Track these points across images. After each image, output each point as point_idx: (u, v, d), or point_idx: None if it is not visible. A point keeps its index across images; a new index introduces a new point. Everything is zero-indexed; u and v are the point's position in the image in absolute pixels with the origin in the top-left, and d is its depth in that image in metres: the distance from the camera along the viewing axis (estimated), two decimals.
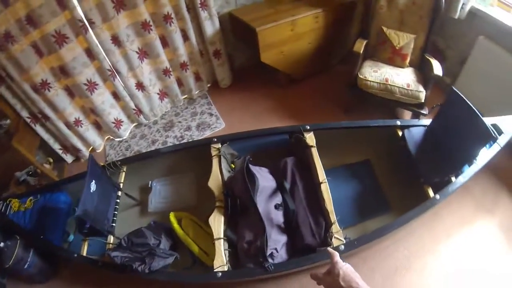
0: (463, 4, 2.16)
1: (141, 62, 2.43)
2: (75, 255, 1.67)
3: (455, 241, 1.88)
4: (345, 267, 0.80)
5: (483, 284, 1.73)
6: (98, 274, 1.91)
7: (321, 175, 1.71)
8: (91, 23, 2.08)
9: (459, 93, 1.68)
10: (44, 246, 1.82)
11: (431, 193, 1.68)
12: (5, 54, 1.91)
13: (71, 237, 2.01)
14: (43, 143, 2.43)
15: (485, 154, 1.73)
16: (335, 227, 1.54)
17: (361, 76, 2.25)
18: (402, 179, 1.95)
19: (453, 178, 1.69)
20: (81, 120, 2.44)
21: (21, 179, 2.25)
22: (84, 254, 1.69)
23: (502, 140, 1.76)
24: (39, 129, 2.34)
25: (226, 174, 1.79)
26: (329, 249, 0.86)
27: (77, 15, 1.96)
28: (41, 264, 1.87)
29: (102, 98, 2.41)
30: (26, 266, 1.77)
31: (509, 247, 1.85)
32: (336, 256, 0.83)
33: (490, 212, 1.98)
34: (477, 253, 1.83)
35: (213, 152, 1.87)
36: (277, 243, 1.54)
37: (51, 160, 2.47)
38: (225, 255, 1.51)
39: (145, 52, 2.42)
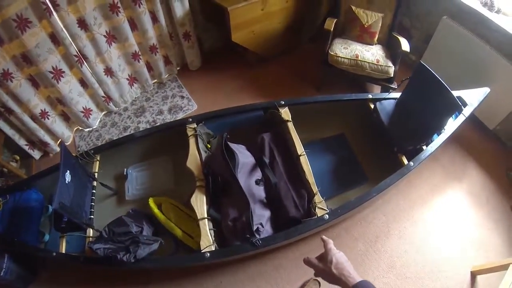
0: None
1: (109, 46, 2.32)
2: (54, 254, 1.59)
3: (428, 206, 2.01)
4: (338, 255, 0.79)
5: (456, 244, 1.86)
6: (80, 272, 1.84)
7: (299, 148, 1.74)
8: (56, 5, 1.94)
9: (428, 67, 1.78)
10: (20, 249, 1.69)
11: (405, 161, 1.78)
12: None
13: (47, 237, 1.89)
14: (8, 139, 2.26)
15: (452, 124, 1.85)
16: (318, 198, 1.58)
17: (332, 53, 2.30)
18: (377, 150, 2.04)
19: (424, 147, 1.79)
20: (47, 112, 2.29)
21: None
22: (63, 251, 1.61)
23: (466, 111, 1.89)
24: (2, 124, 2.17)
25: (203, 154, 1.77)
26: (323, 237, 0.85)
27: None
28: (18, 269, 1.76)
29: (69, 86, 2.27)
30: (2, 273, 1.65)
31: (477, 210, 1.99)
32: (330, 243, 0.82)
33: (458, 179, 2.13)
34: (449, 216, 1.97)
35: (189, 132, 1.84)
36: (261, 218, 1.55)
37: (18, 158, 2.31)
38: (211, 235, 1.50)
39: (113, 36, 2.31)
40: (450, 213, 1.98)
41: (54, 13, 1.95)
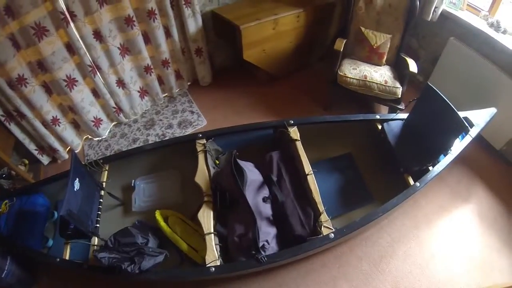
0: (435, 7, 2.30)
1: (123, 58, 2.37)
2: (58, 260, 1.59)
3: (434, 227, 2.00)
4: None
5: (462, 265, 1.84)
6: (82, 280, 1.83)
7: (307, 167, 1.75)
8: (73, 16, 2.00)
9: (435, 88, 1.80)
10: (23, 252, 1.70)
11: (411, 181, 1.78)
12: None
13: (50, 242, 1.91)
14: (18, 143, 2.29)
15: (459, 145, 1.86)
16: (324, 217, 1.59)
17: (341, 73, 2.33)
18: (383, 170, 2.05)
19: (430, 168, 1.80)
20: (58, 119, 2.33)
21: None
22: (67, 258, 1.61)
23: (473, 132, 1.91)
24: (13, 128, 2.21)
25: (212, 170, 1.79)
26: None
27: (58, 7, 1.88)
28: (20, 273, 1.75)
29: (81, 95, 2.32)
30: (3, 275, 1.65)
31: (483, 231, 1.98)
32: None
33: (465, 200, 2.12)
34: (455, 237, 1.96)
35: (199, 148, 1.86)
36: (267, 235, 1.56)
37: (26, 162, 2.34)
38: (216, 249, 1.51)
39: (127, 49, 2.36)
40: (456, 234, 1.97)
41: (71, 23, 2.01)
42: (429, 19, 2.37)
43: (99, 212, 1.76)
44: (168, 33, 2.44)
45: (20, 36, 1.92)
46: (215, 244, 1.52)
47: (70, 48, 2.12)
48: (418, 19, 2.40)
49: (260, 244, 1.49)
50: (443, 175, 2.03)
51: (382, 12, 2.38)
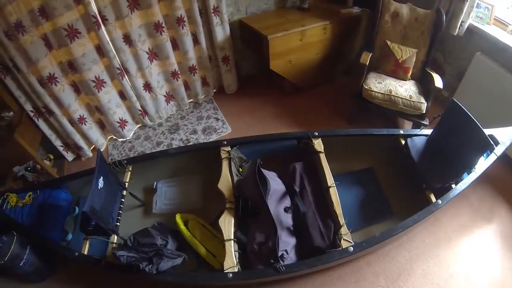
0: (462, 22, 2.28)
1: (151, 63, 2.44)
2: (76, 254, 1.63)
3: (454, 246, 1.94)
4: None
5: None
6: (96, 275, 1.86)
7: (330, 179, 1.75)
8: (104, 20, 2.08)
9: (460, 104, 1.77)
10: (43, 243, 1.77)
11: (433, 198, 1.75)
12: (14, 44, 1.89)
13: (70, 236, 1.96)
14: (45, 138, 2.37)
15: (483, 163, 1.82)
16: (344, 230, 1.58)
17: (366, 87, 2.32)
18: (405, 185, 2.02)
19: (453, 185, 1.76)
20: (85, 118, 2.41)
21: (19, 174, 2.20)
22: (86, 253, 1.65)
23: (498, 150, 1.86)
24: (41, 124, 2.29)
25: (235, 178, 1.80)
26: None
27: (91, 10, 1.97)
28: (38, 263, 1.81)
29: (108, 96, 2.39)
30: (21, 264, 1.71)
31: (505, 252, 1.92)
32: None
33: (487, 220, 2.06)
34: (475, 258, 1.90)
35: (223, 155, 1.88)
36: (287, 245, 1.56)
37: (52, 157, 2.42)
38: (235, 256, 1.51)
39: (155, 54, 2.43)
40: (476, 254, 1.91)
41: (103, 26, 2.09)
42: (455, 33, 2.34)
43: (120, 211, 1.79)
44: (196, 40, 2.50)
45: (53, 36, 2.01)
46: (235, 251, 1.53)
47: (100, 50, 2.20)
48: (444, 33, 2.37)
49: (279, 254, 1.49)
50: (466, 193, 1.98)
51: (408, 26, 2.37)
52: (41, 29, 1.95)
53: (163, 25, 2.26)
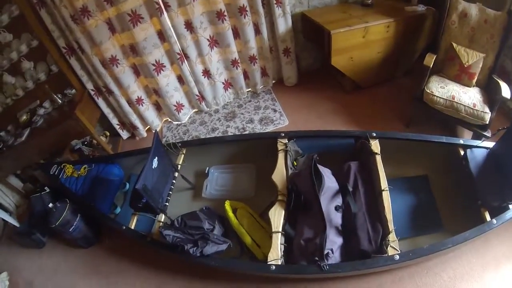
0: None
1: (211, 50, 2.47)
2: (124, 227, 1.71)
3: (502, 271, 1.78)
4: None
5: None
6: (139, 250, 1.94)
7: (384, 183, 1.68)
8: (167, 6, 2.13)
9: None
10: (93, 213, 1.88)
11: (487, 216, 1.61)
12: (80, 28, 2.00)
13: (118, 210, 2.07)
14: (103, 116, 2.51)
15: None
16: (392, 236, 1.51)
17: (428, 91, 2.19)
18: (458, 199, 1.90)
19: (511, 206, 1.61)
20: (143, 99, 2.51)
21: (76, 147, 2.35)
22: (133, 227, 1.72)
23: None
24: (101, 102, 2.43)
25: (289, 170, 1.78)
26: None
27: None
28: (86, 230, 1.94)
29: (167, 80, 2.47)
30: (71, 229, 1.84)
31: None
32: None
33: None
34: None
35: (280, 147, 1.86)
36: (333, 244, 1.53)
37: (108, 134, 2.56)
38: (280, 249, 1.50)
39: (216, 41, 2.46)
40: None
41: (165, 12, 2.15)
42: None
43: (170, 192, 1.85)
44: (257, 30, 2.49)
45: (117, 21, 2.11)
46: (280, 244, 1.52)
47: (162, 35, 2.27)
48: None
49: (325, 252, 1.46)
50: None
51: (476, 28, 2.19)
52: (105, 14, 2.05)
53: (225, 13, 2.28)
